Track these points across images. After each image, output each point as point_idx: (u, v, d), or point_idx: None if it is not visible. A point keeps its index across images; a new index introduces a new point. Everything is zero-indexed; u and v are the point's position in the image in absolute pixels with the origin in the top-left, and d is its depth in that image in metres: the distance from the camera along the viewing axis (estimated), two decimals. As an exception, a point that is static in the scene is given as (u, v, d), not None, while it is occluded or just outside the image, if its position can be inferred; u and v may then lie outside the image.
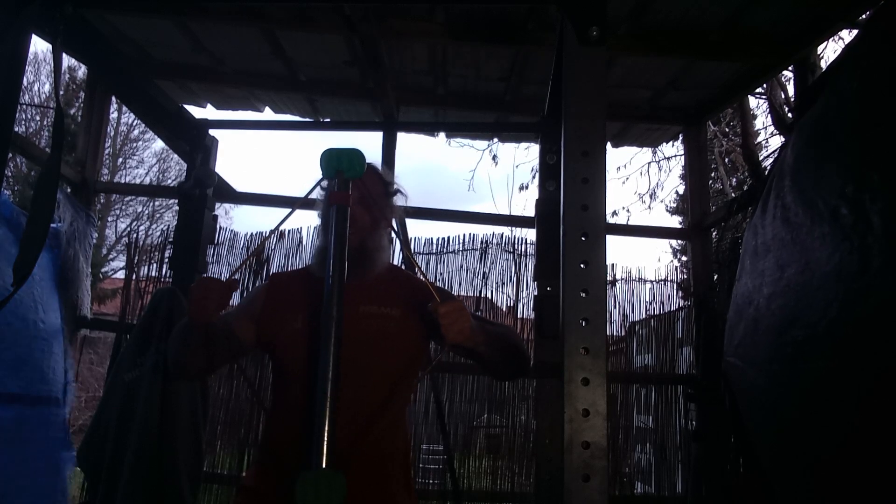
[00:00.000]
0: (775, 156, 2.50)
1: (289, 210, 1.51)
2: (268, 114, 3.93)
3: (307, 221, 5.39)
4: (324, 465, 1.09)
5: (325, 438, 1.09)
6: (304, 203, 1.49)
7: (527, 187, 8.37)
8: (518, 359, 1.58)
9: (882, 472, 1.55)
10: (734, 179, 9.77)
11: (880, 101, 1.64)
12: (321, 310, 1.20)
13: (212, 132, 3.01)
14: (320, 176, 1.31)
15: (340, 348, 1.17)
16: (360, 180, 1.32)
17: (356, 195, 1.36)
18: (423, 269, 3.67)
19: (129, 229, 15.54)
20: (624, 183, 9.30)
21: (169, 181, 16.74)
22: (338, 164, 1.27)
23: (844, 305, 1.64)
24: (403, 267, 3.40)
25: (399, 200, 1.67)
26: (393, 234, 1.79)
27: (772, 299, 1.98)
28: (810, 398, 1.82)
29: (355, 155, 1.28)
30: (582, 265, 1.10)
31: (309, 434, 1.13)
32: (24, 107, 13.27)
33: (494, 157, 7.64)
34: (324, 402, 1.11)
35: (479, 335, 1.38)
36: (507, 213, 7.47)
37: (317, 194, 1.52)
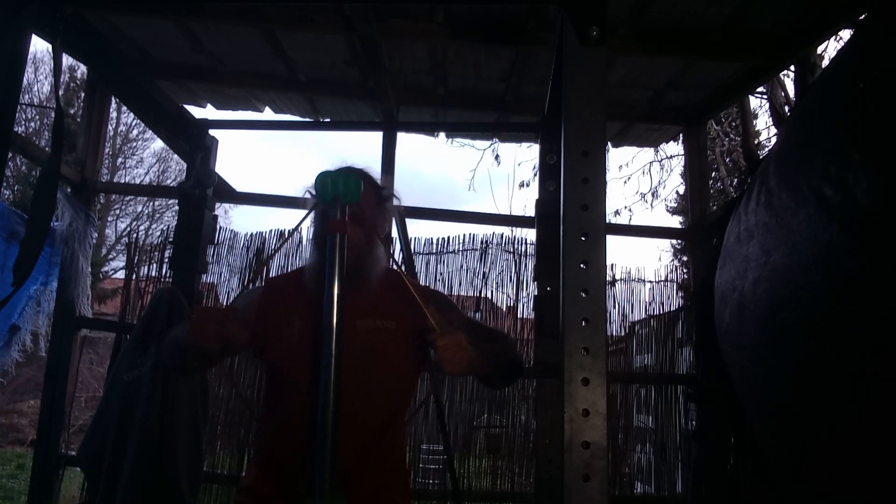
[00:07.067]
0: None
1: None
2: (268, 114, 3.93)
3: (307, 222, 5.39)
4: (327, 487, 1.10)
5: (328, 463, 1.12)
6: (306, 212, 1.47)
7: (528, 185, 8.38)
8: (511, 370, 1.63)
9: (875, 450, 1.55)
10: (735, 179, 9.76)
11: (862, 79, 1.65)
12: (316, 322, 1.21)
13: (212, 132, 3.01)
14: (312, 189, 1.28)
15: (340, 380, 1.18)
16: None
17: (349, 214, 1.33)
18: (423, 269, 3.67)
19: (129, 229, 15.58)
20: (626, 183, 9.30)
21: (169, 181, 16.77)
22: (333, 189, 1.24)
23: (832, 285, 1.64)
24: (403, 268, 3.42)
25: (393, 201, 1.66)
26: (393, 234, 1.79)
27: (757, 284, 1.97)
28: (801, 378, 1.82)
29: (351, 180, 1.26)
30: (582, 265, 1.09)
31: (311, 453, 1.14)
32: (24, 107, 13.27)
33: (497, 157, 7.65)
34: (325, 432, 1.13)
35: (476, 361, 1.39)
36: (507, 213, 7.47)
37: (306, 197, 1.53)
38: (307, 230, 3.59)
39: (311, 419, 1.20)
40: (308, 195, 1.53)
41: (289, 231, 3.67)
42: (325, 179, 1.25)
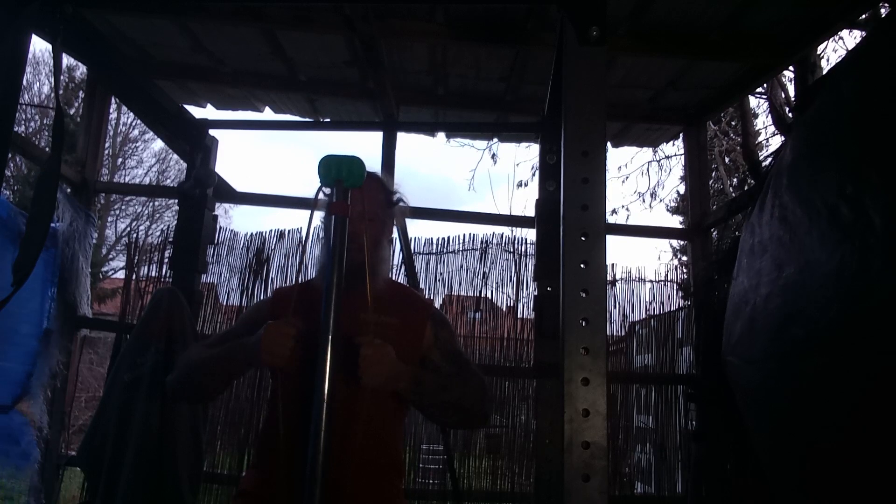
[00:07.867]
0: (774, 155, 2.50)
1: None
2: (268, 114, 3.93)
3: (317, 222, 5.39)
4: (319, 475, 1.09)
5: (321, 450, 1.10)
6: (310, 210, 1.47)
7: (526, 185, 8.39)
8: (462, 417, 1.54)
9: (874, 464, 1.55)
10: (735, 179, 9.77)
11: (880, 98, 1.65)
12: (318, 325, 1.19)
13: (212, 132, 3.01)
14: (318, 181, 1.27)
15: (336, 358, 1.17)
16: (362, 193, 1.27)
17: (358, 211, 1.30)
18: (423, 269, 3.67)
19: (129, 229, 15.58)
20: (624, 182, 9.31)
21: (169, 181, 16.77)
22: (337, 172, 1.22)
23: (844, 304, 1.64)
24: (404, 268, 3.41)
25: (401, 207, 1.66)
26: (394, 236, 1.79)
27: (770, 299, 1.98)
28: (806, 393, 1.83)
29: (355, 163, 1.23)
30: (582, 265, 1.09)
31: (305, 442, 1.13)
32: (24, 107, 13.27)
33: (494, 157, 7.65)
34: (320, 412, 1.12)
35: (403, 383, 1.38)
36: (507, 213, 7.47)
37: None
38: (311, 231, 3.60)
39: (310, 421, 1.20)
40: (322, 195, 1.52)
41: (289, 231, 3.68)
42: (328, 162, 1.23)
